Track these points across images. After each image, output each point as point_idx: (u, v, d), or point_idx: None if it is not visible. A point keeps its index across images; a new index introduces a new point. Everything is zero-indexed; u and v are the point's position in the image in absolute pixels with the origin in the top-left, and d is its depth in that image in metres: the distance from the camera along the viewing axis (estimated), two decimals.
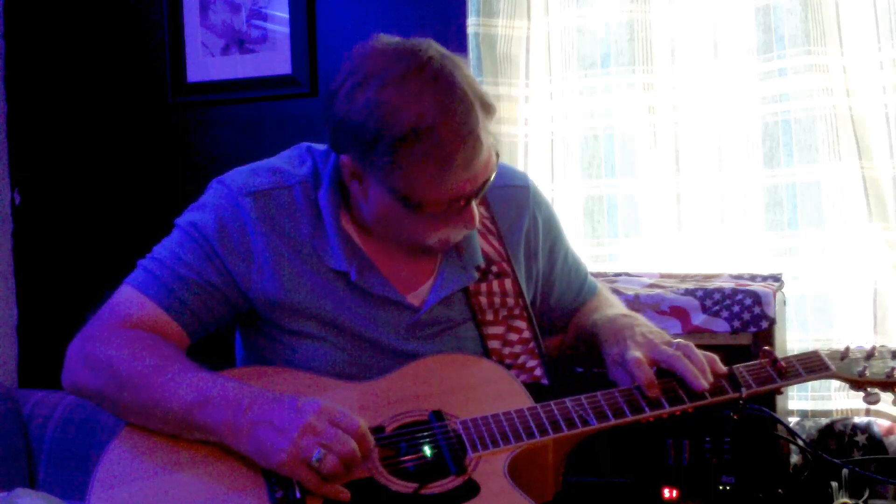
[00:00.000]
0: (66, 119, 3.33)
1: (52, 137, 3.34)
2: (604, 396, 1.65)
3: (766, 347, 1.80)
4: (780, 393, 1.78)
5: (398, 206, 1.63)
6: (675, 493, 2.10)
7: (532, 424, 1.61)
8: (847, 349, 1.79)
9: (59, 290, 3.31)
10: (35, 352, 3.34)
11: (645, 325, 1.78)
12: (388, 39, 1.64)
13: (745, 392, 1.67)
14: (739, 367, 1.71)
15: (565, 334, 1.96)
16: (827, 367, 1.75)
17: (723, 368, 1.70)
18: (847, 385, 2.23)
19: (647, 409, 1.64)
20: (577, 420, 1.62)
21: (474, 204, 1.65)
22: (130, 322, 1.66)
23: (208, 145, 3.17)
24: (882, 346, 1.80)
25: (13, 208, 3.37)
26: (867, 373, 1.74)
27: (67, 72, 3.31)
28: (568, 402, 1.65)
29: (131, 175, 3.26)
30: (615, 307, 1.93)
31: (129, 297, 1.69)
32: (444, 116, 1.55)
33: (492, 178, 1.64)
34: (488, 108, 1.62)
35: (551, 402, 1.65)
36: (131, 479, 1.54)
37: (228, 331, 1.85)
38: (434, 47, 1.62)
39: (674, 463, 2.11)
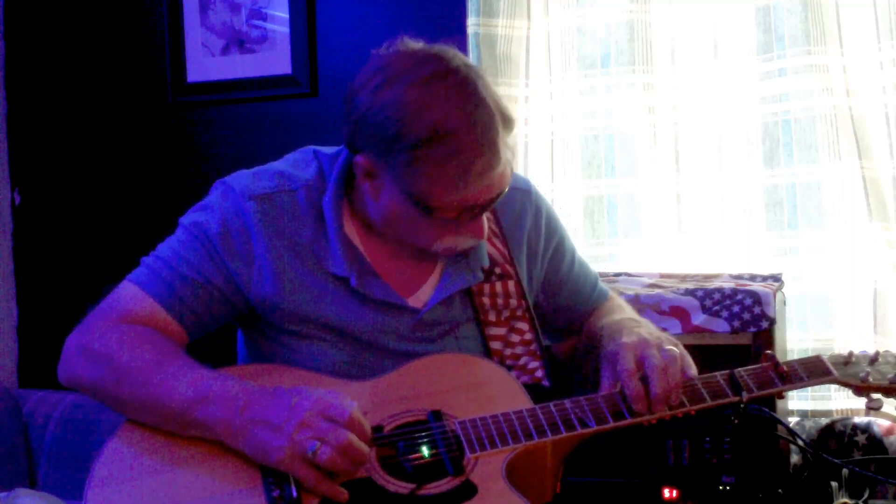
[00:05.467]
0: (66, 119, 3.33)
1: (52, 137, 3.34)
2: (603, 399, 1.65)
3: (768, 351, 1.78)
4: (782, 397, 1.77)
5: (410, 209, 1.63)
6: (675, 493, 2.11)
7: (531, 426, 1.60)
8: (850, 354, 1.77)
9: (59, 290, 3.31)
10: (35, 352, 3.35)
11: (648, 327, 1.77)
12: (413, 43, 1.65)
13: (745, 396, 1.67)
14: (740, 371, 1.70)
15: (578, 338, 1.94)
16: (829, 372, 1.74)
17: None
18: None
19: (646, 412, 1.63)
20: (575, 422, 1.62)
21: (484, 216, 1.66)
22: (130, 318, 1.66)
23: (208, 145, 3.17)
24: (886, 351, 1.79)
25: (13, 208, 3.37)
26: (870, 378, 1.73)
27: (67, 72, 3.31)
28: (567, 403, 1.64)
29: (131, 175, 3.26)
30: (625, 312, 1.92)
31: (130, 294, 1.69)
32: (466, 123, 1.56)
33: (505, 191, 1.65)
34: (508, 123, 1.63)
35: (550, 404, 1.64)
36: (128, 476, 1.54)
37: (229, 330, 1.85)
38: (459, 56, 1.63)
39: (674, 463, 2.11)
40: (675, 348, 1.66)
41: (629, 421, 1.63)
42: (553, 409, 1.63)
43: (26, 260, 3.37)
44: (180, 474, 1.54)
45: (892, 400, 1.77)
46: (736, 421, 1.69)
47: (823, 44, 2.44)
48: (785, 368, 1.71)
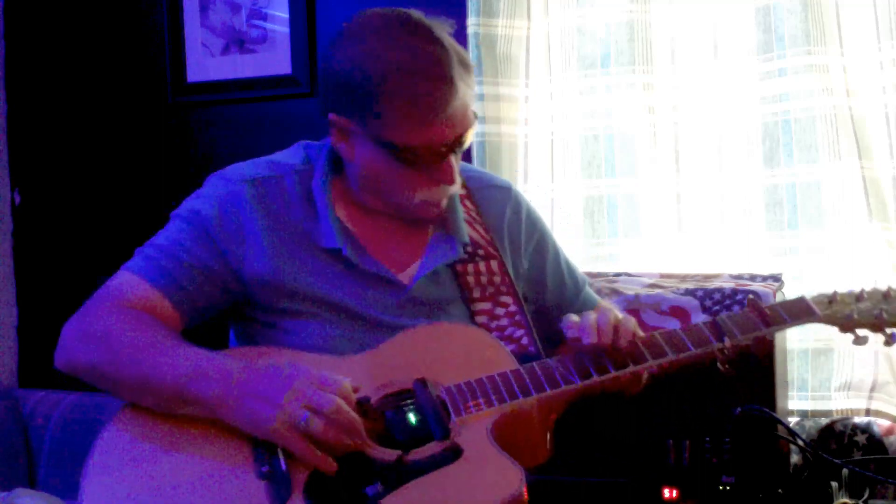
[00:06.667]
0: (66, 119, 3.33)
1: (52, 137, 3.34)
2: (587, 355, 1.67)
3: (751, 296, 1.79)
4: (767, 341, 1.76)
5: (382, 157, 1.69)
6: (675, 493, 2.11)
7: (515, 386, 1.63)
8: (835, 294, 1.77)
9: (58, 290, 3.31)
10: (35, 352, 3.34)
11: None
12: (374, 10, 1.74)
13: (727, 341, 1.68)
14: (723, 316, 1.72)
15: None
16: (813, 312, 1.74)
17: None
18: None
19: (630, 362, 1.65)
20: (560, 379, 1.65)
21: (454, 159, 1.71)
22: (126, 303, 1.69)
23: (208, 145, 3.17)
24: (872, 288, 1.79)
25: (13, 208, 3.37)
26: (855, 315, 1.73)
27: (67, 72, 3.31)
28: (551, 362, 1.68)
29: (131, 175, 3.26)
30: None
31: (126, 279, 1.73)
32: (422, 60, 1.64)
33: (470, 134, 1.71)
34: (466, 65, 1.69)
35: (534, 363, 1.67)
36: (123, 463, 1.56)
37: (224, 328, 1.86)
38: (419, 12, 1.71)
39: (674, 463, 2.12)
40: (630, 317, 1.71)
41: (613, 374, 1.65)
42: (537, 367, 1.66)
43: (26, 260, 3.37)
44: (173, 458, 1.56)
45: (879, 336, 1.76)
46: (723, 368, 1.68)
47: (823, 44, 2.43)
48: (768, 312, 1.72)
